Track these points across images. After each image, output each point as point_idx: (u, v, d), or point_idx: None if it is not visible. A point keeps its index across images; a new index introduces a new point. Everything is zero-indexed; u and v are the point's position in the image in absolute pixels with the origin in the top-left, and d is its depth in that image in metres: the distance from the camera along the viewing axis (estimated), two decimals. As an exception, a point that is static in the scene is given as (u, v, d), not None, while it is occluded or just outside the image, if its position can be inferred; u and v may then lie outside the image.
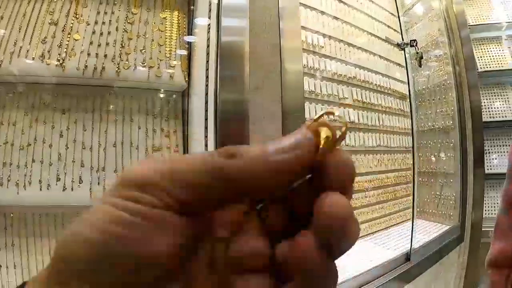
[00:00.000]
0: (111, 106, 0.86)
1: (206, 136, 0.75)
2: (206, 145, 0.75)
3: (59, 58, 0.85)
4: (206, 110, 0.76)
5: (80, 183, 0.83)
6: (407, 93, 1.35)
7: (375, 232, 1.29)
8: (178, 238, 0.16)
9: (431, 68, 1.51)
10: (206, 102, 0.76)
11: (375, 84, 1.26)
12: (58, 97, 0.88)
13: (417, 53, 1.26)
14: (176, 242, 0.16)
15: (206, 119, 0.76)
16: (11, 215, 0.89)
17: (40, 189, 0.84)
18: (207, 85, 0.77)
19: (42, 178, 0.84)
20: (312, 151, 0.17)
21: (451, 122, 1.53)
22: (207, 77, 0.77)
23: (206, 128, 0.76)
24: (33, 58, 0.86)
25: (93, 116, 0.86)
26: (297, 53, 0.87)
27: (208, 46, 0.78)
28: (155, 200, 0.16)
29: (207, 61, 0.78)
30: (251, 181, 0.16)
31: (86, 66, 0.84)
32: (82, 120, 0.86)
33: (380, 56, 1.31)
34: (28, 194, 0.84)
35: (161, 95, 0.88)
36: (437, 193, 1.55)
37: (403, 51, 1.27)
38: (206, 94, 0.77)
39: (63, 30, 0.87)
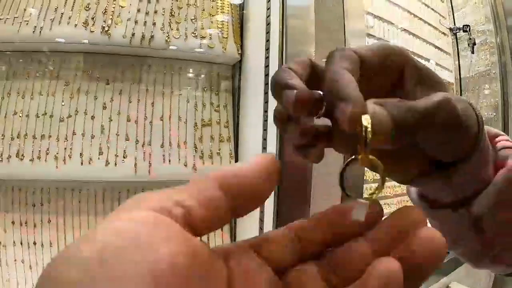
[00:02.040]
0: (159, 77, 0.80)
1: (265, 111, 0.70)
2: (265, 120, 0.69)
3: (104, 25, 0.80)
4: (266, 84, 0.70)
5: (124, 157, 0.78)
6: (452, 81, 1.28)
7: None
8: None
9: (476, 56, 1.44)
10: (267, 75, 0.70)
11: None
12: (102, 67, 0.83)
13: (470, 38, 1.19)
14: None
15: (266, 93, 0.70)
16: (49, 190, 0.84)
17: (81, 164, 0.79)
18: (267, 57, 0.71)
19: (83, 151, 0.80)
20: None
21: (494, 113, 1.46)
22: (267, 49, 0.71)
23: (266, 102, 0.70)
24: (76, 25, 0.81)
25: (139, 88, 0.80)
26: (361, 33, 0.81)
27: (268, 16, 0.73)
28: None
29: (267, 32, 0.72)
30: None
31: (133, 34, 0.79)
32: (128, 91, 0.80)
33: (427, 42, 1.24)
34: (68, 169, 0.79)
35: (212, 68, 0.82)
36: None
37: (452, 37, 1.20)
38: (267, 66, 0.71)
39: (108, -3, 0.82)
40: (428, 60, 1.24)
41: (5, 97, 0.84)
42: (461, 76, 1.44)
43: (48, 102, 0.83)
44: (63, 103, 0.83)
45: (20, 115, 0.84)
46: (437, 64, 1.29)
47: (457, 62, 1.36)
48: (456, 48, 1.26)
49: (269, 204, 0.69)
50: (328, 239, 0.18)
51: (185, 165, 0.78)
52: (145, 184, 0.81)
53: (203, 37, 0.79)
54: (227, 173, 0.16)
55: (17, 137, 0.82)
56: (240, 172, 0.16)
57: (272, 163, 0.17)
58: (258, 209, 0.74)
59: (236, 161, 0.80)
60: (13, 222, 0.85)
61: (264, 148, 0.71)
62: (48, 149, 0.81)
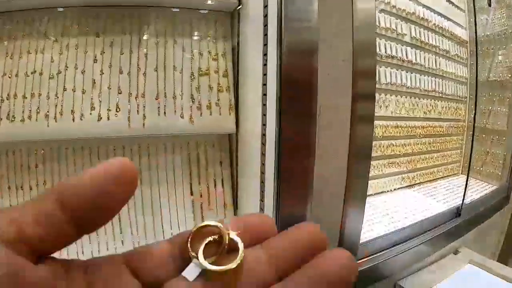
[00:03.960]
0: (152, 26, 0.75)
1: (265, 64, 0.64)
2: (264, 74, 0.64)
3: (91, -26, 0.75)
4: (266, 35, 0.65)
5: (117, 111, 0.73)
6: (467, 39, 1.21)
7: (423, 182, 1.18)
8: None
9: (492, 14, 1.35)
10: (265, 25, 0.65)
11: (434, 24, 1.12)
12: (91, 19, 0.78)
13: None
14: None
15: (265, 45, 0.65)
16: (42, 151, 0.81)
17: (73, 120, 0.75)
18: (265, 6, 0.65)
19: (74, 108, 0.75)
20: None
21: (510, 75, 1.37)
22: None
23: (265, 55, 0.65)
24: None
25: (131, 39, 0.75)
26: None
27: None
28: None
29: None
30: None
31: (122, -19, 0.74)
32: (119, 43, 0.75)
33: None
34: (60, 127, 0.75)
35: (209, 15, 0.76)
36: (487, 150, 1.41)
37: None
38: (265, 16, 0.65)
39: None
40: (440, 13, 1.16)
41: (-7, 60, 0.80)
42: (477, 34, 1.36)
43: (37, 60, 0.79)
44: (52, 60, 0.78)
45: (10, 76, 0.80)
46: (448, 19, 1.21)
47: (472, 19, 1.28)
48: (472, 4, 1.18)
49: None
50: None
51: (182, 117, 0.73)
52: (140, 139, 0.77)
53: (197, -19, 0.73)
54: (66, 185, 0.15)
55: (7, 99, 0.78)
56: (79, 182, 0.15)
57: (125, 170, 0.15)
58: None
59: (237, 112, 0.75)
60: (9, 187, 0.82)
61: (264, 94, 0.65)
62: (38, 108, 0.77)
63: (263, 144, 0.65)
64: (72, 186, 0.15)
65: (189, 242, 0.17)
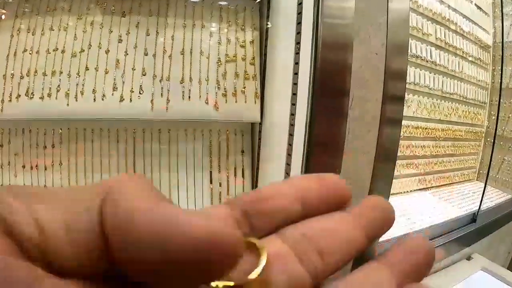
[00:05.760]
0: (180, 9, 0.73)
1: (298, 43, 0.63)
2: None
3: (119, -49, 0.73)
4: (299, 23, 0.63)
5: (140, 93, 0.72)
6: (490, 44, 1.19)
7: (439, 186, 1.17)
8: None
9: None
10: (300, 3, 0.63)
11: (458, 26, 1.10)
12: (116, -2, 0.76)
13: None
14: None
15: (299, 23, 0.63)
16: (60, 131, 0.79)
17: (94, 100, 0.73)
18: None
19: (96, 87, 0.74)
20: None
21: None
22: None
23: (298, 33, 0.63)
24: (90, -47, 0.74)
25: (158, 20, 0.74)
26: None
27: None
28: None
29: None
30: None
31: (152, -39, 0.72)
32: (146, 24, 0.74)
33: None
34: (80, 106, 0.74)
35: (238, 1, 0.74)
36: (503, 157, 1.39)
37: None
38: (300, 4, 0.63)
39: None
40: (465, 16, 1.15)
41: (14, 35, 0.79)
42: (498, 41, 1.34)
43: (60, 37, 0.77)
44: (75, 38, 0.77)
45: (30, 52, 0.78)
46: (474, 23, 1.19)
47: (497, 24, 1.26)
48: (500, 8, 1.16)
49: (298, 146, 0.62)
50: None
51: (206, 103, 0.71)
52: (161, 123, 0.75)
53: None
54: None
55: (27, 75, 0.77)
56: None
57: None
58: (285, 152, 0.68)
59: (262, 100, 0.73)
60: (23, 166, 0.81)
61: (295, 83, 0.64)
62: (59, 86, 0.75)
63: (291, 135, 0.63)
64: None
65: None
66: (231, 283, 0.12)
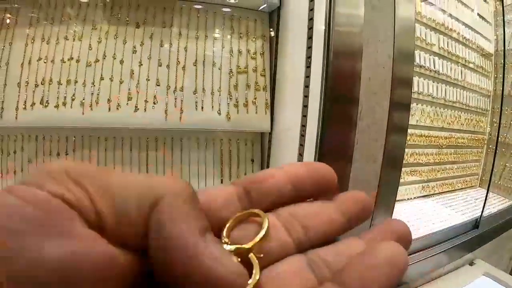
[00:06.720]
0: (193, 20, 0.76)
1: (309, 57, 0.65)
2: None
3: (134, -35, 0.75)
4: (310, 28, 0.65)
5: (154, 103, 0.74)
6: (492, 52, 1.21)
7: (442, 193, 1.19)
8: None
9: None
10: (311, 19, 0.65)
11: (461, 35, 1.13)
12: (131, 10, 0.78)
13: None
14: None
15: (309, 38, 0.65)
16: (74, 139, 0.81)
17: (109, 110, 0.75)
18: (311, 10, 0.66)
19: (111, 97, 0.76)
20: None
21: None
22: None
23: (309, 48, 0.65)
24: (105, -34, 0.76)
25: (172, 31, 0.76)
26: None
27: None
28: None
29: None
30: None
31: (166, -26, 0.74)
32: (160, 35, 0.76)
33: (467, 6, 1.17)
34: (95, 115, 0.76)
35: (249, 13, 0.77)
36: (505, 164, 1.42)
37: (497, 2, 1.13)
38: (311, 10, 0.65)
39: None
40: (467, 24, 1.17)
41: (29, 44, 0.80)
42: (500, 49, 1.36)
43: (75, 47, 0.79)
44: (90, 48, 0.79)
45: (45, 61, 0.80)
46: (476, 31, 1.21)
47: (498, 33, 1.28)
48: (502, 16, 1.19)
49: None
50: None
51: (219, 113, 0.73)
52: (176, 132, 0.77)
53: (240, -21, 0.74)
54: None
55: (41, 84, 0.78)
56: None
57: None
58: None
59: (272, 111, 0.76)
60: (36, 172, 0.83)
61: (306, 96, 0.66)
62: (74, 95, 0.77)
63: (301, 145, 0.66)
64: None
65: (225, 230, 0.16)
66: (244, 246, 0.15)
